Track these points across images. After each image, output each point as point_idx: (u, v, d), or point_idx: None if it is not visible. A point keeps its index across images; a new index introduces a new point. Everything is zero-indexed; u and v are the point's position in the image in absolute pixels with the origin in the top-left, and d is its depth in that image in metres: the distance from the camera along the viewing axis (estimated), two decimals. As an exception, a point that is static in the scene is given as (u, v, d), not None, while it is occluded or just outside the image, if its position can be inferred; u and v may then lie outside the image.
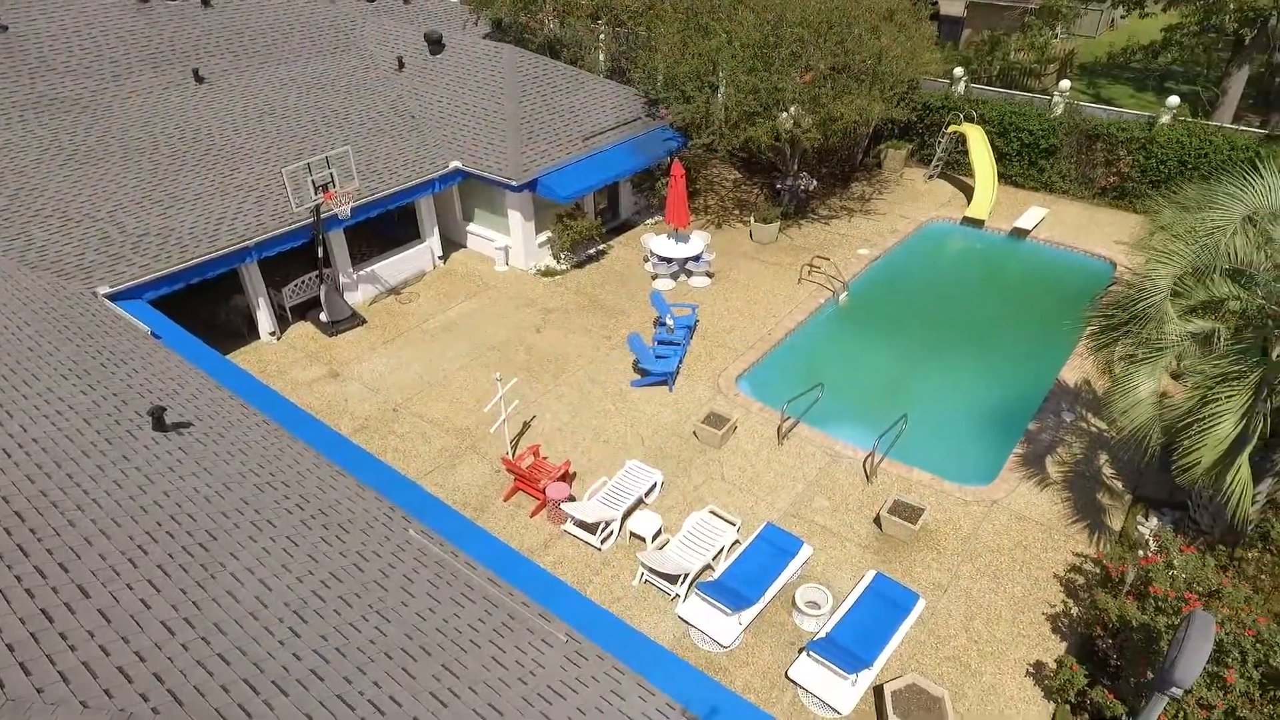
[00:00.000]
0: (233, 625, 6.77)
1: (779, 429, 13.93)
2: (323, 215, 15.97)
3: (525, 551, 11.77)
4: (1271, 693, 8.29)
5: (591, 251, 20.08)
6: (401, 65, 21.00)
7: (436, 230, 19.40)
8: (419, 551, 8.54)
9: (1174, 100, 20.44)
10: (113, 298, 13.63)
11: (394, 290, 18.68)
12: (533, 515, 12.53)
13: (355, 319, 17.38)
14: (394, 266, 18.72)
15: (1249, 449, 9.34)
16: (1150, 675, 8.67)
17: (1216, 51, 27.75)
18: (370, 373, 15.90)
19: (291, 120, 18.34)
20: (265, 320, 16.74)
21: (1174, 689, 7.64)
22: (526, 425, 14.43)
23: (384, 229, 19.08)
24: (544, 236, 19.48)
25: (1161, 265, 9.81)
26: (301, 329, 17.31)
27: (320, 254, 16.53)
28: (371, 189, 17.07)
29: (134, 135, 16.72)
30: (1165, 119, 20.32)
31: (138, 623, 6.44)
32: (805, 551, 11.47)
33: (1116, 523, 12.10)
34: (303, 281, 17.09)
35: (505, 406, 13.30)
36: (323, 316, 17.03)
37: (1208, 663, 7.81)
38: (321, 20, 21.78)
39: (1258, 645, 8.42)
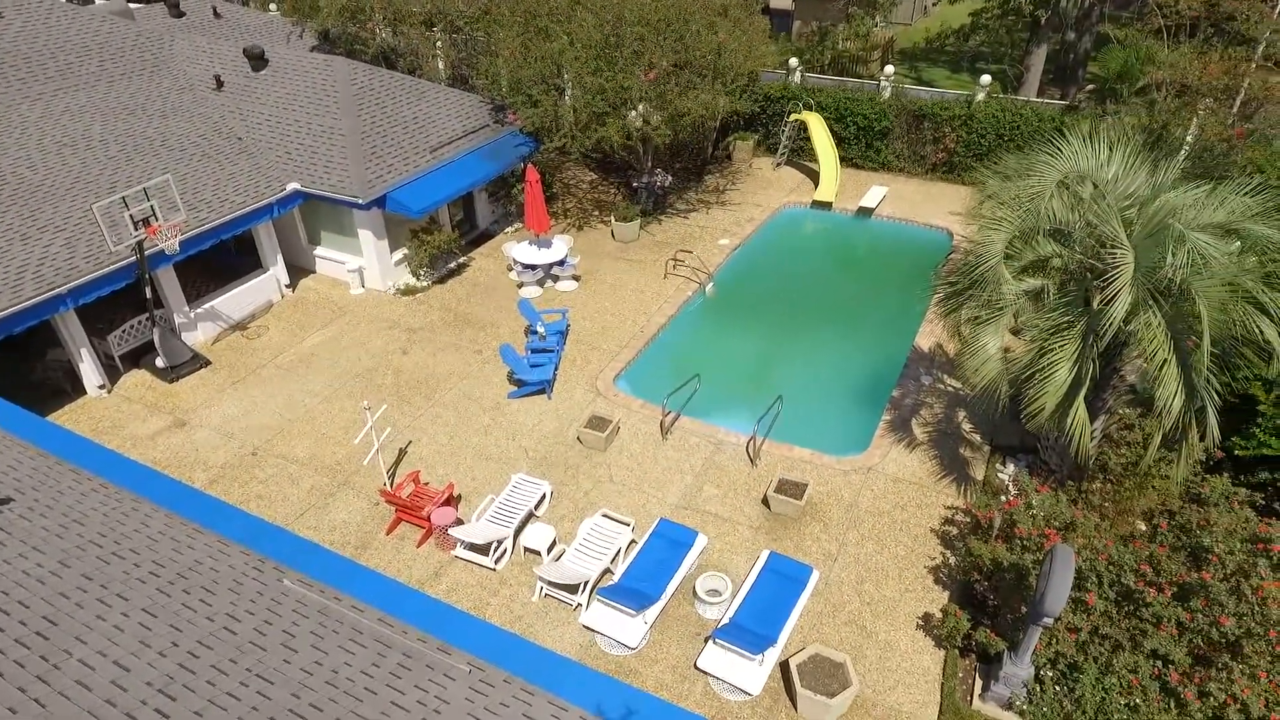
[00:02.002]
0: (87, 718, 6.00)
1: (661, 424, 14.00)
2: (147, 252, 14.59)
3: (416, 584, 11.22)
4: (1126, 608, 9.12)
5: (452, 265, 19.48)
6: (220, 84, 19.56)
7: (280, 257, 18.21)
8: (297, 602, 7.91)
9: (986, 79, 22.21)
10: (-103, 366, 11.87)
11: (239, 325, 17.37)
12: (419, 545, 11.97)
13: (197, 361, 16.02)
14: (236, 300, 17.41)
15: (1083, 391, 10.22)
16: (1024, 609, 9.34)
17: (1018, 32, 30.45)
18: (221, 417, 14.69)
19: (99, 151, 16.65)
20: (91, 373, 15.12)
21: (1046, 619, 8.26)
22: (403, 452, 13.78)
23: (221, 261, 17.70)
24: (400, 254, 18.71)
25: (992, 231, 10.55)
26: (137, 378, 15.77)
27: (149, 294, 15.11)
28: (201, 219, 15.78)
29: (-95, 179, 14.65)
30: (980, 97, 22.05)
31: (-36, 737, 5.58)
32: (700, 541, 11.57)
33: (979, 473, 12.98)
34: (132, 326, 15.57)
35: (377, 436, 12.63)
36: (159, 362, 15.58)
37: (1071, 590, 8.47)
38: (123, 40, 19.94)
39: (1110, 567, 9.24)
